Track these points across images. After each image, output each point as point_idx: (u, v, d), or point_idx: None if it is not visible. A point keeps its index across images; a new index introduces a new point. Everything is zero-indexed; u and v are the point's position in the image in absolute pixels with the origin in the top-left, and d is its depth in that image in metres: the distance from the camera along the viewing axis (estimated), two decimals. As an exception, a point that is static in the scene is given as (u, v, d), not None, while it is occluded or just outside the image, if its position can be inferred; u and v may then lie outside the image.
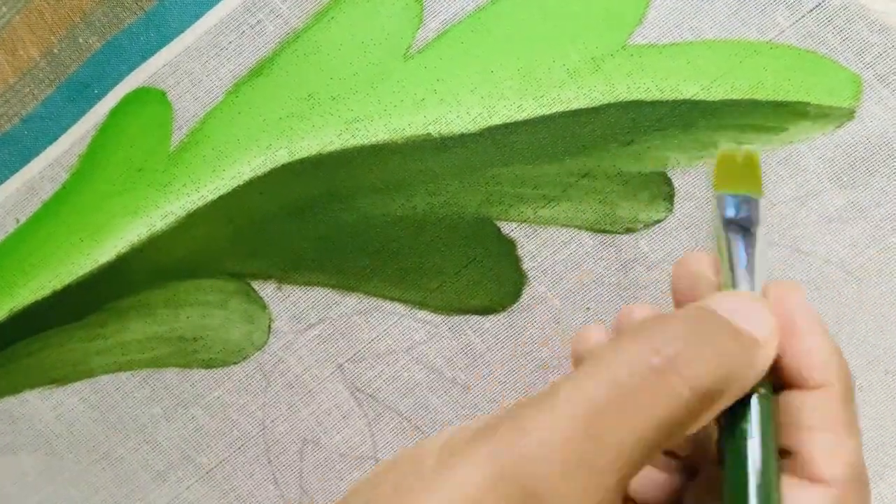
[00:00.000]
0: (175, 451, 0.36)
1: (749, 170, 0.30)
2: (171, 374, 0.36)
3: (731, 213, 0.28)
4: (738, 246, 0.28)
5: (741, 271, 0.27)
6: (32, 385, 0.36)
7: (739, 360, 0.24)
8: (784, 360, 0.25)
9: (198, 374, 0.36)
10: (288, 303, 0.35)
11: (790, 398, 0.25)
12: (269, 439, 0.36)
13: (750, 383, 0.24)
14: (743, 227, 0.28)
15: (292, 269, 0.35)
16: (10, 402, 0.36)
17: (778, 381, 0.25)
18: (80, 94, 0.36)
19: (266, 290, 0.35)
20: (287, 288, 0.35)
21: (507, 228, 0.35)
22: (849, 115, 0.34)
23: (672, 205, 0.34)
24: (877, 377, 0.35)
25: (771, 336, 0.24)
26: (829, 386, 0.25)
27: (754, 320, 0.24)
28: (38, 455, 0.36)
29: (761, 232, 0.28)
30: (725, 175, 0.30)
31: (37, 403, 0.36)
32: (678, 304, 0.27)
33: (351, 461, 0.36)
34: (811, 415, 0.25)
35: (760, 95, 0.34)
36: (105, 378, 0.36)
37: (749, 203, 0.29)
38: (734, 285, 0.27)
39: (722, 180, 0.29)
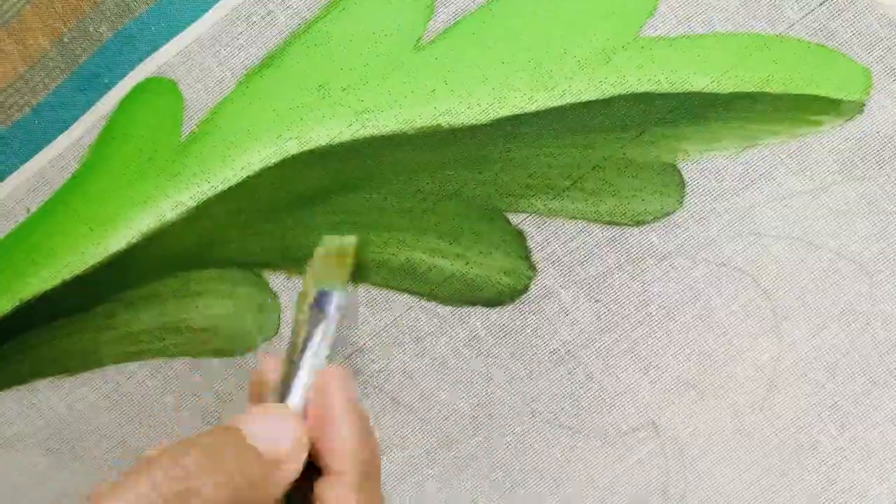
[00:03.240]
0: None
1: (340, 263, 0.36)
2: (181, 364, 0.39)
3: (303, 311, 0.34)
4: (304, 343, 0.33)
5: (298, 375, 0.32)
6: (43, 374, 0.39)
7: (257, 482, 0.28)
8: (316, 447, 0.31)
9: (208, 363, 0.39)
10: (297, 292, 0.39)
11: (321, 483, 0.30)
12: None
13: (272, 498, 0.29)
14: (313, 322, 0.33)
15: (302, 260, 0.39)
16: (21, 391, 0.39)
17: (316, 465, 0.31)
18: (90, 84, 0.39)
19: (276, 279, 0.39)
20: (297, 278, 0.39)
21: (517, 220, 0.38)
22: (859, 108, 0.37)
23: (682, 197, 0.38)
24: (889, 371, 0.38)
25: (294, 450, 0.30)
26: (344, 473, 0.30)
27: (278, 438, 0.29)
28: (49, 444, 0.40)
29: (333, 327, 0.34)
30: (316, 268, 0.35)
31: (48, 393, 0.39)
32: (252, 402, 0.33)
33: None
34: (328, 499, 0.30)
35: (770, 88, 0.37)
36: (116, 368, 0.39)
37: (329, 298, 0.34)
38: (285, 391, 0.32)
39: (312, 274, 0.35)
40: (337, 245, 0.37)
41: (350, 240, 0.38)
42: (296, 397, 0.32)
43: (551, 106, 0.38)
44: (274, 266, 0.39)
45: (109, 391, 0.40)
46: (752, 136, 0.38)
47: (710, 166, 0.38)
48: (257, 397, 0.33)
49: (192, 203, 0.39)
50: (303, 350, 0.33)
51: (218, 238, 0.39)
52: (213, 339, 0.39)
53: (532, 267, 0.38)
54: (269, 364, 0.33)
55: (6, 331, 0.39)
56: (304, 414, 0.31)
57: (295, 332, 0.33)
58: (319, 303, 0.34)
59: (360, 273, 0.39)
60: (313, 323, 0.33)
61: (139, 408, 0.40)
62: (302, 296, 0.34)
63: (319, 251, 0.37)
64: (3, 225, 0.39)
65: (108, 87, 0.39)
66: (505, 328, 0.39)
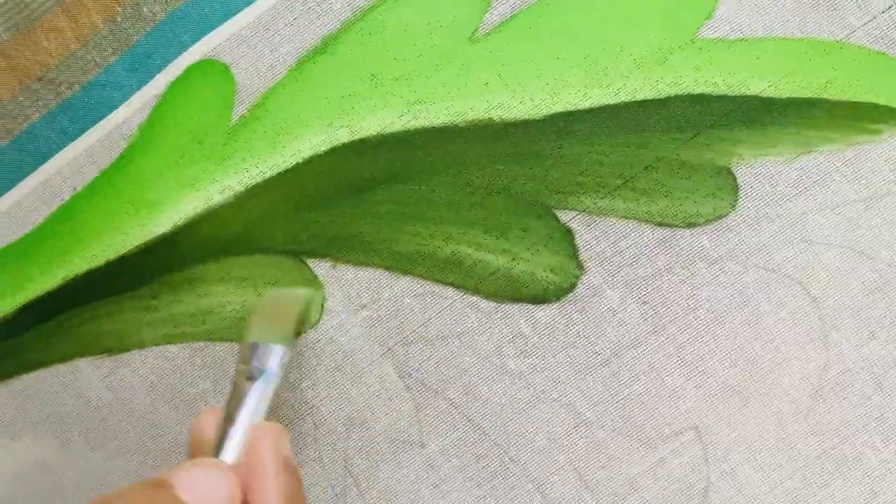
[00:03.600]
0: (222, 426, 0.39)
1: (285, 316, 0.35)
2: (222, 349, 0.39)
3: (244, 364, 0.34)
4: (243, 398, 0.33)
5: (234, 429, 0.33)
6: (83, 353, 0.40)
7: None
8: (250, 497, 0.32)
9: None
10: (342, 282, 0.39)
11: None
12: (317, 418, 0.39)
13: None
14: (253, 377, 0.34)
15: (347, 249, 0.39)
16: (60, 369, 0.40)
17: None
18: (141, 64, 0.39)
19: (321, 268, 0.39)
20: (341, 267, 0.39)
21: (566, 217, 0.38)
22: (918, 118, 0.37)
23: (735, 200, 0.38)
24: (934, 385, 0.38)
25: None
26: None
27: (208, 493, 0.30)
28: (86, 423, 0.40)
29: (274, 383, 0.34)
30: (258, 321, 0.35)
31: (87, 372, 0.39)
32: (191, 457, 0.33)
33: (397, 445, 0.39)
34: None
35: (829, 95, 0.37)
36: (156, 350, 0.39)
37: (267, 354, 0.34)
38: (221, 446, 0.32)
39: (253, 326, 0.35)
40: (284, 298, 0.37)
41: (301, 293, 0.38)
42: (230, 453, 0.32)
43: (605, 104, 0.38)
44: (319, 254, 0.39)
45: (147, 373, 0.40)
46: (808, 143, 0.37)
47: (765, 171, 0.38)
48: (196, 451, 0.33)
49: (239, 188, 0.39)
50: (242, 405, 0.33)
51: (264, 224, 0.39)
52: (255, 325, 0.39)
53: (580, 266, 0.38)
54: (207, 419, 0.33)
55: (50, 308, 0.40)
56: (238, 469, 0.32)
57: (235, 385, 0.34)
58: (261, 357, 0.34)
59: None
60: (254, 377, 0.34)
61: (176, 391, 0.40)
62: (244, 348, 0.35)
63: (265, 303, 0.37)
64: (50, 203, 0.39)
65: (160, 67, 0.39)
66: (549, 327, 0.39)
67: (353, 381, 0.39)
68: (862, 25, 0.37)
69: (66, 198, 0.40)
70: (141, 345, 0.40)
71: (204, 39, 0.39)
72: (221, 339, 0.39)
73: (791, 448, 0.38)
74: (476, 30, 0.38)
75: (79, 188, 0.40)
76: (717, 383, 0.38)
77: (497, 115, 0.38)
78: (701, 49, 0.38)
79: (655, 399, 0.38)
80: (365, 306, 0.39)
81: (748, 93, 0.37)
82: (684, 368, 0.38)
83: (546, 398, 0.39)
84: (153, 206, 0.39)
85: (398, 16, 0.38)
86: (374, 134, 0.39)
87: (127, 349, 0.40)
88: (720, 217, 0.38)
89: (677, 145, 0.38)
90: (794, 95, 0.37)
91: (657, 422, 0.38)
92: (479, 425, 0.39)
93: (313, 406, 0.39)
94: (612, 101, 0.38)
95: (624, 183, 0.38)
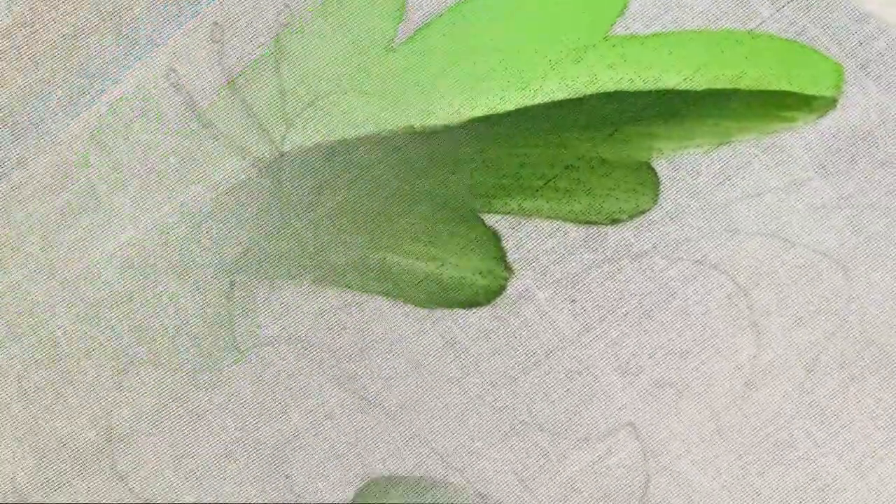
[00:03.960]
0: (165, 456, 0.39)
1: None
2: (154, 374, 0.39)
3: None
4: None
5: None
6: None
7: None
8: None
9: (185, 376, 0.39)
10: (274, 303, 0.39)
11: None
12: (258, 440, 0.39)
13: None
14: None
15: (277, 266, 0.39)
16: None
17: None
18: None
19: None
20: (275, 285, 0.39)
21: (491, 220, 0.38)
22: (831, 103, 0.37)
23: (657, 195, 0.38)
24: (865, 366, 0.38)
25: None
26: None
27: None
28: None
29: None
30: None
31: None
32: None
33: (337, 462, 0.39)
34: None
35: (743, 85, 0.37)
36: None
37: None
38: None
39: None
40: None
41: None
42: None
43: (523, 106, 0.38)
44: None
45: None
46: (726, 133, 0.38)
47: (685, 164, 0.38)
48: None
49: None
50: None
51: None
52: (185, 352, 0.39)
53: (507, 268, 0.38)
54: None
55: None
56: None
57: None
58: None
59: None
60: None
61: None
62: None
63: None
64: None
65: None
66: (482, 330, 0.39)
67: (292, 400, 0.39)
68: (771, 15, 0.38)
69: None
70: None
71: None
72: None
73: (727, 438, 0.38)
74: (392, 40, 0.39)
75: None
76: (649, 378, 0.38)
77: (418, 122, 0.38)
78: (614, 46, 0.38)
79: (590, 397, 0.39)
80: (297, 322, 0.39)
81: (664, 87, 0.38)
82: (616, 365, 0.38)
83: (482, 402, 0.39)
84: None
85: (313, 30, 0.39)
86: (297, 146, 0.39)
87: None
88: (643, 212, 0.38)
89: (596, 143, 0.38)
90: (709, 87, 0.38)
91: (593, 420, 0.39)
92: (417, 434, 0.39)
93: (253, 428, 0.39)
94: (530, 102, 0.38)
95: (546, 183, 0.38)
